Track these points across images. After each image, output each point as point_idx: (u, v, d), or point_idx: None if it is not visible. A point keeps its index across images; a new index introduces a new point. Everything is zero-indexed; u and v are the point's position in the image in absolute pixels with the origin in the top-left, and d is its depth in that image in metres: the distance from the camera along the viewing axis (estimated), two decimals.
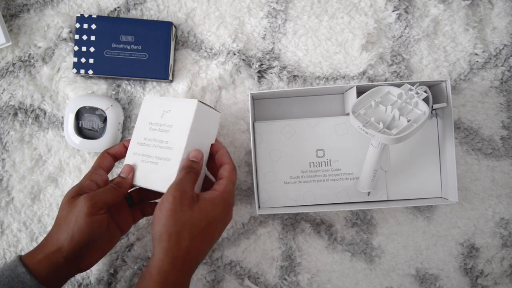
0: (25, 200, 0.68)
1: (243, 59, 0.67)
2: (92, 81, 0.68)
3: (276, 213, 0.66)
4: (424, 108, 0.55)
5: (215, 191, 0.50)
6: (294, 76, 0.68)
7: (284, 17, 0.68)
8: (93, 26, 0.65)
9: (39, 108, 0.68)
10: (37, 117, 0.68)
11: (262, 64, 0.67)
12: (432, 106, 0.58)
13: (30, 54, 0.68)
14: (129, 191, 0.56)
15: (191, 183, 0.49)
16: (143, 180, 0.54)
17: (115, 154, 0.58)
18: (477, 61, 0.67)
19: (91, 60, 0.65)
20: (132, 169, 0.54)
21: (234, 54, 0.67)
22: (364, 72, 0.67)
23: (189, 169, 0.50)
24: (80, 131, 0.66)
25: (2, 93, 0.68)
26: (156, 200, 0.62)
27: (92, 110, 0.66)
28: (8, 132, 0.68)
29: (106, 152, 0.57)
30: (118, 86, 0.68)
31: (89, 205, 0.48)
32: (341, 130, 0.63)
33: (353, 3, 0.67)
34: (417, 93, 0.56)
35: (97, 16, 0.66)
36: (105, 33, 0.65)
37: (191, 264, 0.47)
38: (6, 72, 0.68)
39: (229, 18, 0.68)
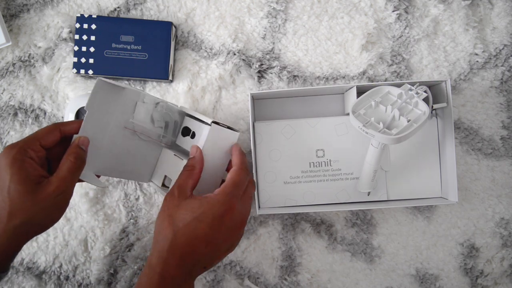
0: None
1: (243, 59, 0.67)
2: (92, 81, 0.68)
3: (276, 213, 0.66)
4: (424, 108, 0.55)
5: (211, 194, 0.49)
6: (294, 76, 0.68)
7: (284, 17, 0.68)
8: (93, 26, 0.65)
9: (39, 108, 0.68)
10: (37, 117, 0.68)
11: (262, 64, 0.67)
12: (432, 106, 0.58)
13: (30, 54, 0.68)
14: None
15: (182, 181, 0.50)
16: None
17: (69, 131, 0.50)
18: (477, 61, 0.67)
19: (91, 60, 0.65)
20: None
21: (234, 54, 0.67)
22: (364, 72, 0.67)
23: (185, 168, 0.51)
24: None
25: (2, 93, 0.68)
26: None
27: None
28: (8, 132, 0.68)
29: (58, 126, 0.49)
30: None
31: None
32: (341, 130, 0.63)
33: (353, 3, 0.67)
34: (417, 93, 0.56)
35: (97, 16, 0.66)
36: (105, 33, 0.65)
37: (179, 260, 0.46)
38: (6, 72, 0.68)
39: (229, 18, 0.68)
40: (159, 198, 0.68)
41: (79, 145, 0.49)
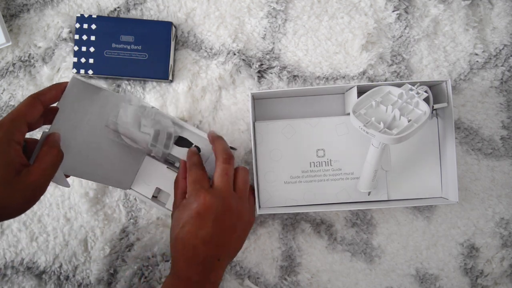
0: None
1: (243, 59, 0.67)
2: (92, 81, 0.68)
3: (276, 213, 0.66)
4: (424, 108, 0.55)
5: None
6: (294, 76, 0.68)
7: (284, 17, 0.68)
8: (93, 26, 0.65)
9: None
10: None
11: (262, 64, 0.67)
12: (433, 106, 0.58)
13: (30, 54, 0.68)
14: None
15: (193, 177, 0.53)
16: None
17: (50, 101, 0.48)
18: (477, 61, 0.67)
19: (91, 60, 0.65)
20: None
21: (234, 54, 0.67)
22: (364, 72, 0.67)
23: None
24: None
25: (2, 93, 0.68)
26: None
27: None
28: None
29: (38, 98, 0.46)
30: (118, 86, 0.68)
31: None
32: (342, 130, 0.63)
33: (353, 3, 0.68)
34: (417, 93, 0.56)
35: (97, 16, 0.65)
36: (105, 33, 0.65)
37: (192, 251, 0.49)
38: (6, 72, 0.68)
39: (229, 18, 0.68)
40: None
41: (56, 140, 0.47)
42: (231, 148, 0.58)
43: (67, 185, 0.51)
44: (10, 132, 0.43)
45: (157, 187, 0.64)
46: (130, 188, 0.64)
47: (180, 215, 0.51)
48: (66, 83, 0.48)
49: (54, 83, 0.48)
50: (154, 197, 0.64)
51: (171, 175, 0.62)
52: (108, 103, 0.54)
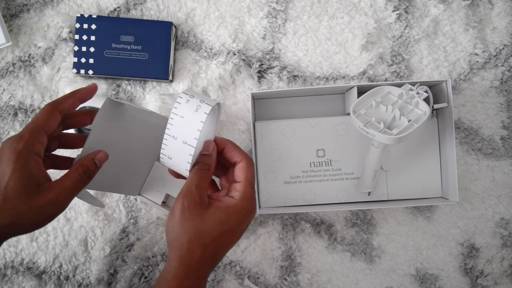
0: None
1: (243, 59, 0.67)
2: (92, 81, 0.68)
3: (276, 213, 0.66)
4: (424, 108, 0.55)
5: (232, 199, 0.45)
6: (294, 76, 0.68)
7: (284, 17, 0.68)
8: (93, 26, 0.65)
9: (39, 108, 0.68)
10: None
11: (262, 64, 0.67)
12: (433, 106, 0.58)
13: (30, 54, 0.68)
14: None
15: (201, 184, 0.44)
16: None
17: (68, 109, 0.46)
18: (477, 61, 0.67)
19: (91, 60, 0.65)
20: None
21: (234, 54, 0.67)
22: (364, 72, 0.67)
23: (199, 166, 0.45)
24: (80, 131, 0.66)
25: (2, 93, 0.68)
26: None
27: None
28: (8, 132, 0.68)
29: (56, 107, 0.45)
30: (118, 86, 0.68)
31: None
32: (342, 130, 0.63)
33: (353, 3, 0.67)
34: (417, 93, 0.56)
35: (97, 16, 0.65)
36: (105, 33, 0.65)
37: (205, 270, 0.45)
38: (6, 72, 0.68)
39: (229, 18, 0.68)
40: None
41: (94, 160, 0.46)
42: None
43: (101, 205, 0.50)
44: (30, 144, 0.42)
45: (166, 193, 0.64)
46: (140, 195, 0.63)
47: (225, 221, 0.45)
48: (83, 89, 0.48)
49: (73, 90, 0.47)
50: (163, 203, 0.64)
51: (181, 181, 0.60)
52: (135, 119, 0.52)
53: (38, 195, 0.42)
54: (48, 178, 0.44)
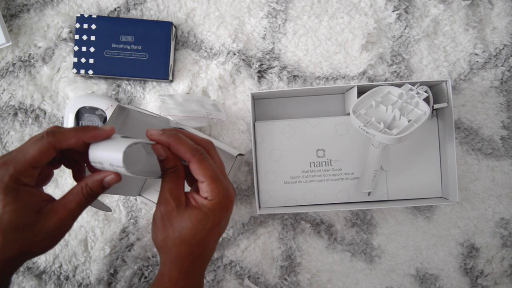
0: None
1: (243, 59, 0.67)
2: (92, 81, 0.68)
3: (276, 213, 0.66)
4: (424, 108, 0.55)
5: (205, 199, 0.44)
6: (294, 76, 0.68)
7: (284, 17, 0.68)
8: (93, 26, 0.65)
9: (39, 108, 0.68)
10: (37, 117, 0.68)
11: (262, 64, 0.67)
12: (433, 106, 0.58)
13: (30, 54, 0.68)
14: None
15: (173, 187, 0.44)
16: None
17: (66, 148, 0.42)
18: (477, 61, 0.67)
19: (91, 60, 0.65)
20: None
21: (234, 54, 0.67)
22: (364, 72, 0.67)
23: (165, 172, 0.44)
24: None
25: (2, 93, 0.68)
26: None
27: (92, 110, 0.65)
28: (8, 132, 0.68)
29: (54, 146, 0.40)
30: (118, 86, 0.68)
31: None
32: (342, 130, 0.63)
33: (353, 3, 0.67)
34: (417, 93, 0.56)
35: (97, 16, 0.65)
36: (105, 33, 0.65)
37: (199, 267, 0.46)
38: (6, 72, 0.68)
39: (229, 18, 0.68)
40: None
41: (102, 183, 0.42)
42: (240, 154, 0.58)
43: (108, 210, 0.50)
44: (16, 179, 0.39)
45: None
46: (140, 195, 0.63)
47: (204, 221, 0.44)
48: (94, 132, 0.42)
49: (75, 127, 0.43)
50: None
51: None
52: (139, 122, 0.53)
53: (42, 220, 0.40)
54: (48, 198, 0.42)
